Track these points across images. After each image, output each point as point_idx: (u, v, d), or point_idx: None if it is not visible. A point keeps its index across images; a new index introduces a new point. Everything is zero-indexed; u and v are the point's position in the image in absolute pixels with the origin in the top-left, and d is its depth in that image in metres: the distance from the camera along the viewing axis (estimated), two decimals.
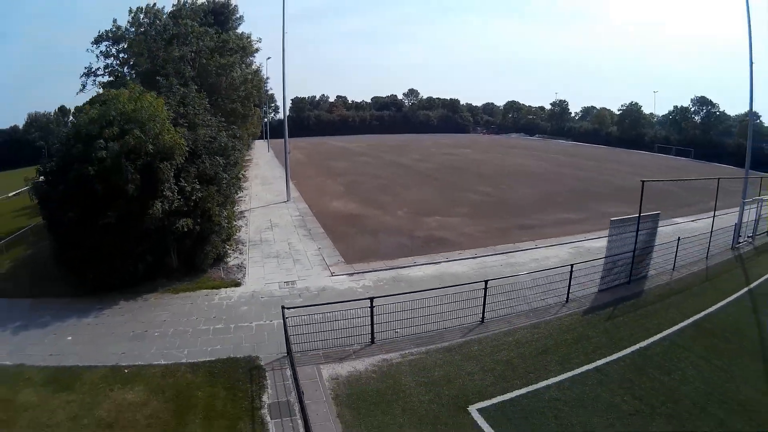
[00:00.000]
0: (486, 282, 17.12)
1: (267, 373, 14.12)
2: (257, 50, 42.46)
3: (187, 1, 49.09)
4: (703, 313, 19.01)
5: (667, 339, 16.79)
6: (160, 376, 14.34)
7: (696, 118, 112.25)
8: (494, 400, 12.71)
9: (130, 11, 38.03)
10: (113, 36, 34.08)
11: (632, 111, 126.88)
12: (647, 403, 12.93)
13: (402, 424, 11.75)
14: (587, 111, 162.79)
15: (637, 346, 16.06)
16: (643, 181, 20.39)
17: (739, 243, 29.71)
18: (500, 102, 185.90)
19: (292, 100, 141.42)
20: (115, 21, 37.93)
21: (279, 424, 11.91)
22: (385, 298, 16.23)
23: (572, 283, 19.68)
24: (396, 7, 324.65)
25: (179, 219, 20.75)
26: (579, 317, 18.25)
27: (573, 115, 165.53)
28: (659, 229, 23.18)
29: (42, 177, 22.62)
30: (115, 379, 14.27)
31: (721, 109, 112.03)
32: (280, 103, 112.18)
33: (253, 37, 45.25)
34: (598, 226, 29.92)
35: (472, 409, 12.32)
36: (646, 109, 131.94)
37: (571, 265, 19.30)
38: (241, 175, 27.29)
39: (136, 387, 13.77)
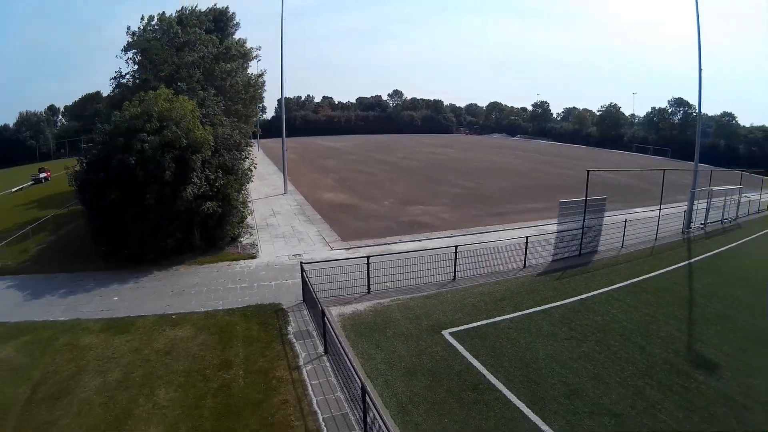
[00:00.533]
0: (456, 247, 21.84)
1: (289, 314, 18.57)
2: (256, 57, 46.25)
3: (188, 8, 53.64)
4: (640, 278, 23.75)
5: (605, 293, 21.47)
6: (203, 318, 18.58)
7: (673, 118, 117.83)
8: (461, 327, 17.29)
9: (142, 18, 42.18)
10: (134, 44, 37.88)
11: (612, 112, 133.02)
12: (580, 332, 17.49)
13: (393, 341, 16.21)
14: (569, 112, 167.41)
15: (578, 297, 20.72)
16: (588, 171, 25.15)
17: (690, 229, 34.52)
18: (483, 103, 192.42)
19: (278, 100, 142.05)
20: (129, 28, 42.08)
21: (302, 343, 16.29)
22: (377, 260, 20.79)
23: (530, 255, 24.44)
24: (379, 6, 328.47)
25: (205, 202, 25.07)
26: (533, 278, 22.97)
27: (555, 115, 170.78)
28: (621, 216, 27.92)
29: (80, 167, 26.77)
30: (165, 323, 18.42)
31: (697, 110, 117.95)
32: (266, 104, 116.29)
33: (251, 42, 49.42)
34: None
35: (445, 332, 16.89)
36: (627, 110, 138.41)
37: (527, 237, 24.06)
38: (253, 167, 31.53)
39: (184, 327, 17.97)
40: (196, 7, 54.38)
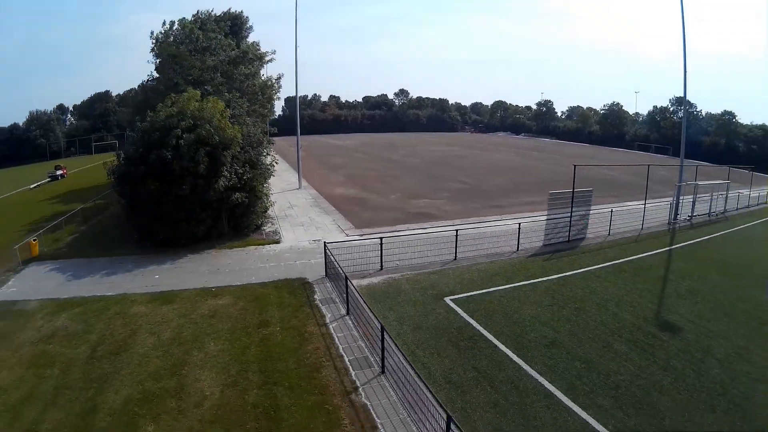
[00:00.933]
0: (456, 231, 25.17)
1: (314, 285, 21.90)
2: (272, 60, 49.30)
3: (204, 12, 56.91)
4: (621, 260, 26.90)
5: (587, 272, 24.66)
6: (239, 290, 21.81)
7: (674, 117, 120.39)
8: (460, 295, 20.53)
9: (164, 24, 45.58)
10: (162, 48, 41.03)
11: (614, 110, 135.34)
12: (561, 301, 20.67)
13: (403, 305, 19.44)
14: (573, 110, 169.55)
15: (562, 274, 23.91)
16: (575, 165, 28.32)
17: (676, 220, 37.56)
18: (488, 101, 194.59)
19: (285, 99, 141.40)
20: (152, 33, 45.46)
21: (327, 307, 19.57)
22: (388, 243, 24.11)
23: (522, 240, 27.70)
24: (384, 5, 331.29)
25: (234, 193, 28.35)
26: (524, 258, 26.23)
27: (560, 114, 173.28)
28: (615, 207, 31.12)
29: (118, 161, 30.07)
30: (206, 294, 21.61)
31: (698, 109, 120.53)
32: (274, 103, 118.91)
33: (255, 39, 52.67)
34: None
35: (446, 299, 20.15)
36: (631, 109, 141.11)
37: (519, 224, 27.29)
38: (275, 163, 34.80)
39: (223, 297, 21.19)
40: (212, 11, 58.04)
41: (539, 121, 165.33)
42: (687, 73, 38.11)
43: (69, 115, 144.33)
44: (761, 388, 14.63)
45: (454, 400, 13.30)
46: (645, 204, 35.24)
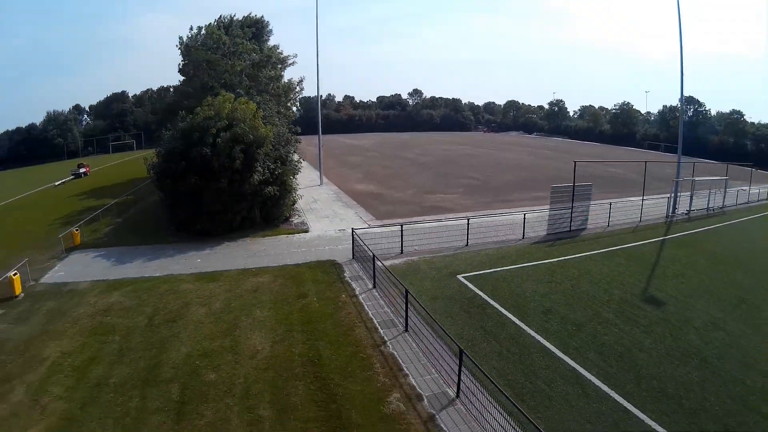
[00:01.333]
0: (468, 220, 28.33)
1: (343, 266, 25.18)
2: (293, 63, 52.65)
3: (227, 17, 60.45)
4: (617, 247, 29.84)
5: (585, 256, 27.64)
6: (277, 270, 25.04)
7: (684, 116, 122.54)
8: (471, 273, 23.68)
9: (191, 28, 49.31)
10: (195, 54, 44.48)
11: (625, 110, 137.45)
12: (559, 279, 23.72)
13: (421, 280, 22.59)
14: (585, 110, 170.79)
15: (562, 258, 26.95)
16: (575, 162, 31.37)
17: (674, 214, 40.38)
18: (501, 101, 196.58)
19: (299, 100, 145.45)
20: (181, 39, 49.11)
21: (356, 282, 22.83)
22: (406, 231, 27.34)
23: (527, 230, 30.76)
24: (400, 4, 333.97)
25: (266, 187, 31.66)
26: (529, 245, 29.31)
27: (572, 114, 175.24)
28: (616, 202, 34.19)
29: (157, 158, 33.43)
30: (247, 274, 24.82)
31: (707, 108, 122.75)
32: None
33: (284, 49, 56.00)
34: None
35: (459, 276, 23.31)
36: (642, 109, 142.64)
37: (524, 214, 30.40)
38: (302, 160, 38.14)
39: (263, 275, 24.40)
40: (234, 15, 61.61)
41: (551, 121, 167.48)
42: (684, 74, 40.51)
43: (85, 116, 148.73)
44: (732, 351, 17.38)
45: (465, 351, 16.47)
46: (643, 198, 38.13)
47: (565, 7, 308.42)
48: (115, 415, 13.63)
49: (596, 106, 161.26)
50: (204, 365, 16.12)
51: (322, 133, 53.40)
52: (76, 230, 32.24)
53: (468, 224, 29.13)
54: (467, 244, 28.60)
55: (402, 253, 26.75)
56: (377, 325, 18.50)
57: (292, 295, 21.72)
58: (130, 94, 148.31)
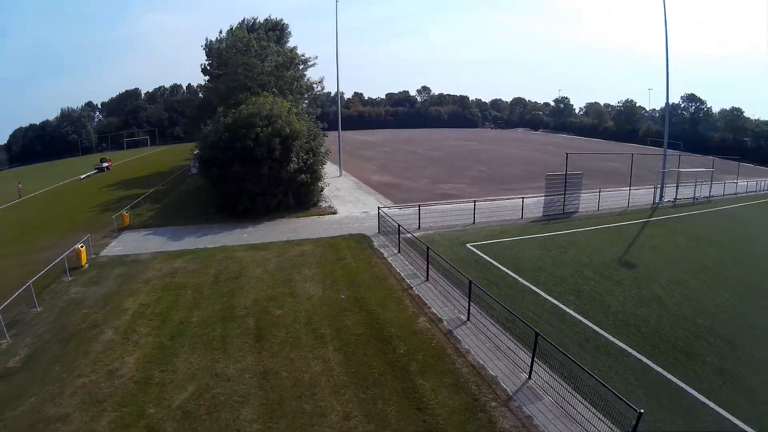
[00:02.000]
0: (474, 203, 33.95)
1: (371, 237, 30.72)
2: (314, 65, 57.92)
3: (249, 20, 66.16)
4: (604, 226, 35.23)
5: (574, 232, 33.07)
6: (316, 241, 30.48)
7: (685, 113, 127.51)
8: (478, 243, 29.21)
9: (221, 32, 55.47)
10: (226, 56, 49.80)
11: (629, 107, 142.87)
12: (551, 247, 29.13)
13: (437, 248, 27.64)
14: (590, 107, 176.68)
15: (554, 233, 32.41)
16: (567, 153, 36.92)
17: (661, 202, 45.77)
18: (508, 98, 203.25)
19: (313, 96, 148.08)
20: (207, 41, 55.33)
21: (383, 249, 28.34)
22: (423, 212, 32.97)
23: (526, 212, 36.30)
24: (408, 3, 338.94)
25: (299, 174, 37.23)
26: (526, 223, 34.86)
27: (577, 110, 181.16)
28: (602, 189, 39.87)
29: (202, 150, 38.90)
30: (291, 244, 30.17)
31: (708, 105, 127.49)
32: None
33: (300, 50, 61.29)
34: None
35: (467, 245, 28.82)
36: (647, 106, 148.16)
37: (522, 198, 35.96)
38: (329, 152, 43.75)
39: (305, 245, 29.81)
40: (257, 18, 67.32)
41: (557, 118, 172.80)
42: (669, 73, 45.73)
43: (97, 113, 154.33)
44: (688, 300, 22.43)
45: (472, 293, 21.94)
46: (630, 187, 43.67)
47: (572, 7, 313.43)
48: (203, 342, 18.18)
49: (602, 104, 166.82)
50: (271, 305, 21.28)
51: (333, 130, 58.70)
52: (126, 213, 37.38)
53: (474, 206, 34.81)
54: (474, 222, 34.16)
55: (419, 228, 32.15)
56: (404, 276, 23.99)
57: (332, 258, 27.22)
58: (143, 92, 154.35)
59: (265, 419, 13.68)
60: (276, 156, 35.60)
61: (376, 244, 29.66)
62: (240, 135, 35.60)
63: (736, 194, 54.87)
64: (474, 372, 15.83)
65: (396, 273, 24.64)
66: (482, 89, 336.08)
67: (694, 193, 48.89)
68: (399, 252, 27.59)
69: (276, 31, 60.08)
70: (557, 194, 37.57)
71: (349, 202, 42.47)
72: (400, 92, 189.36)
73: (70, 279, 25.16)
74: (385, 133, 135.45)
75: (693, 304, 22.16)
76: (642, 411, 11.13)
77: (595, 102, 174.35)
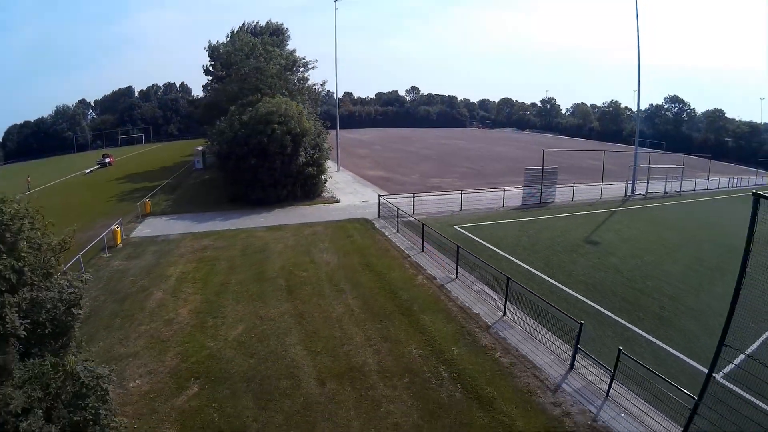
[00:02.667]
0: (461, 192, 39.56)
1: (372, 221, 36.21)
2: (314, 68, 62.33)
3: (250, 24, 71.33)
4: (576, 213, 40.99)
5: (549, 217, 38.86)
6: (325, 223, 35.72)
7: (669, 114, 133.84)
8: (464, 225, 34.88)
9: (227, 36, 60.71)
10: (235, 62, 54.63)
11: (613, 108, 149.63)
12: (527, 229, 34.82)
13: (429, 228, 33.39)
14: (577, 107, 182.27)
15: (531, 218, 38.21)
16: (543, 150, 42.65)
17: (632, 195, 51.60)
18: (496, 98, 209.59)
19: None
20: (209, 43, 60.66)
21: (384, 230, 33.78)
22: (417, 201, 38.54)
23: (506, 201, 41.96)
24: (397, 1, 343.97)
25: (307, 167, 42.59)
26: (507, 210, 40.69)
27: (564, 111, 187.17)
28: (586, 186, 45.64)
29: (219, 146, 44.02)
30: (304, 226, 35.35)
31: (692, 107, 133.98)
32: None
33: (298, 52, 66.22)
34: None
35: (455, 226, 34.45)
36: (633, 106, 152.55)
37: (503, 189, 41.62)
38: (331, 148, 49.10)
39: (316, 227, 35.05)
40: (257, 22, 72.54)
41: (544, 118, 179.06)
42: (641, 75, 51.68)
43: (90, 110, 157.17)
44: (641, 269, 27.83)
45: (459, 261, 27.31)
46: (602, 182, 49.69)
47: (561, 10, 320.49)
48: (244, 296, 23.09)
49: (588, 105, 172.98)
50: (296, 270, 26.44)
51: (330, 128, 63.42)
52: (148, 200, 42.06)
53: (461, 196, 40.49)
54: (461, 209, 39.87)
55: (414, 213, 37.58)
56: (403, 249, 29.46)
57: (342, 236, 32.61)
58: (136, 90, 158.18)
59: (306, 343, 18.76)
60: (287, 151, 40.80)
61: (377, 225, 35.21)
62: (257, 131, 40.52)
63: (707, 189, 61.07)
64: (462, 311, 21.29)
65: (396, 246, 30.13)
66: (470, 89, 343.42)
67: (665, 188, 54.94)
68: (398, 231, 33.13)
69: (278, 36, 65.11)
70: (535, 186, 43.12)
71: (349, 193, 47.95)
72: (389, 92, 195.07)
73: (108, 255, 29.17)
74: (376, 132, 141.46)
75: (644, 271, 27.55)
76: (582, 322, 16.37)
77: (582, 102, 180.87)
